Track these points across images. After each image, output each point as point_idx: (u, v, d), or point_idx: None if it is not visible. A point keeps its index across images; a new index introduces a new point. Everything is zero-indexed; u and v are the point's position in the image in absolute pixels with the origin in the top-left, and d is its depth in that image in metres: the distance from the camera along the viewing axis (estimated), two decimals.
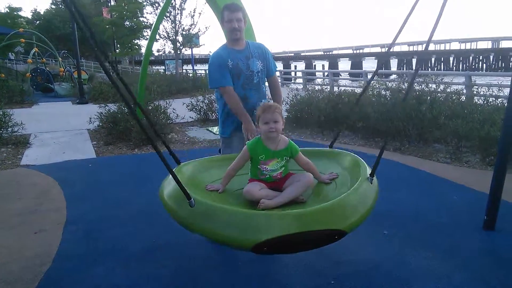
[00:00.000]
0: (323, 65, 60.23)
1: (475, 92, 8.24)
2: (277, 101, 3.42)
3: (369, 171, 2.45)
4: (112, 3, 36.45)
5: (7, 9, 38.55)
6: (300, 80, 20.89)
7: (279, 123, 2.55)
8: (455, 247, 3.16)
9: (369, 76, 15.99)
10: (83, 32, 1.59)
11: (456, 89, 7.37)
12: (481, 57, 61.37)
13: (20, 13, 40.28)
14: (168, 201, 2.34)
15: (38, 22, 45.20)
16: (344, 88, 11.53)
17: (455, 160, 5.71)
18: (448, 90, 7.23)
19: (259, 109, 2.60)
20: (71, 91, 17.48)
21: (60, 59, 22.68)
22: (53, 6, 46.38)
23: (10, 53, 21.82)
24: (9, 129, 7.67)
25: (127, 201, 4.40)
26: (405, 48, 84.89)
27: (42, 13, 46.62)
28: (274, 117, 2.53)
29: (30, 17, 45.92)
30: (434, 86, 7.19)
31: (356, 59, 62.51)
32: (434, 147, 6.37)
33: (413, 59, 61.57)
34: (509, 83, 3.29)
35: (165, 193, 2.41)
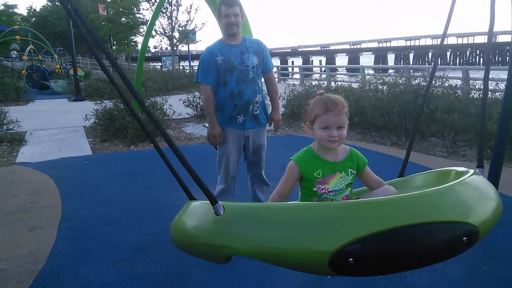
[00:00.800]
0: (320, 61, 60.20)
1: (471, 87, 8.24)
2: (274, 97, 3.41)
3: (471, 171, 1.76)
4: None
5: (2, 6, 38.36)
6: (297, 76, 20.86)
7: (344, 129, 1.82)
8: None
9: (366, 71, 15.98)
10: (80, 29, 1.46)
11: (454, 83, 7.36)
12: (478, 51, 61.41)
13: (15, 10, 40.10)
14: (183, 226, 1.67)
15: (33, 19, 45.00)
16: (341, 83, 11.50)
17: (452, 154, 5.70)
18: (446, 84, 7.23)
19: (317, 104, 1.82)
20: (67, 88, 17.41)
21: (56, 56, 22.57)
22: (49, 3, 46.15)
23: (12, 52, 21.74)
24: (4, 126, 7.63)
25: (121, 198, 4.38)
26: (402, 43, 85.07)
27: (38, 10, 46.40)
28: (340, 121, 1.79)
29: (25, 14, 45.69)
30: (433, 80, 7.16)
31: (354, 55, 62.42)
32: (431, 141, 6.37)
33: (410, 54, 61.57)
34: (506, 77, 3.27)
35: (177, 223, 1.71)
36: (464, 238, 1.38)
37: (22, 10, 48.79)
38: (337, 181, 1.82)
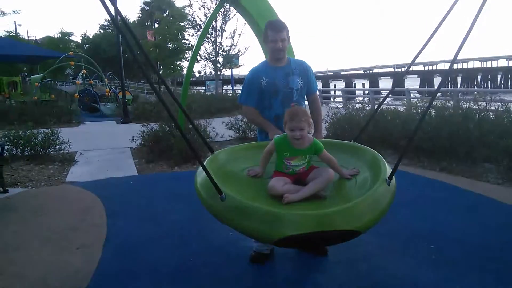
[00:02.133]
0: (363, 84, 59.52)
1: None
2: (317, 118, 3.34)
3: (389, 172, 2.44)
4: (156, 26, 37.92)
5: (59, 34, 40.82)
6: (339, 99, 20.66)
7: (304, 130, 2.58)
8: (508, 275, 2.92)
9: (412, 94, 15.57)
10: (134, 54, 1.64)
11: (507, 106, 7.00)
12: None
13: (71, 37, 42.55)
14: (202, 193, 2.46)
15: (87, 45, 47.58)
16: (386, 106, 11.24)
17: (507, 181, 5.37)
18: (500, 108, 6.89)
19: (286, 114, 2.61)
20: (115, 111, 18.09)
21: (106, 80, 23.65)
22: (101, 30, 48.74)
23: (80, 75, 22.95)
24: (57, 147, 7.99)
25: (165, 219, 4.41)
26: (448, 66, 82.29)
27: (91, 37, 49.08)
28: (300, 125, 2.56)
29: (79, 41, 48.42)
30: (484, 103, 6.88)
31: (398, 78, 61.31)
32: (484, 167, 6.04)
33: (457, 77, 59.69)
34: None
35: (199, 184, 2.53)
36: (351, 235, 2.17)
37: (77, 37, 51.59)
38: (298, 160, 2.64)
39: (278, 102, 3.12)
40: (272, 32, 3.04)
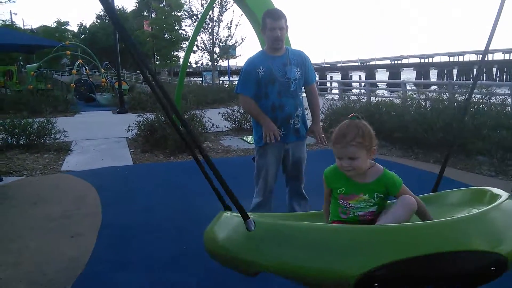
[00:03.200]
0: (359, 76, 59.50)
1: None
2: (315, 109, 3.35)
3: (505, 195, 1.75)
4: (153, 16, 37.66)
5: (55, 24, 40.45)
6: (336, 91, 20.67)
7: (357, 160, 1.79)
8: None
9: (408, 87, 15.60)
10: (126, 45, 1.55)
11: (501, 99, 7.05)
12: None
13: (67, 27, 42.19)
14: (215, 237, 1.78)
15: (83, 35, 47.22)
16: (382, 98, 11.27)
17: (500, 173, 5.42)
18: (493, 100, 6.93)
19: (335, 131, 1.88)
20: (112, 101, 18.05)
21: (102, 70, 23.52)
22: (98, 20, 48.35)
23: (83, 67, 22.65)
24: (52, 136, 7.98)
25: (160, 208, 4.44)
26: (445, 58, 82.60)
27: (87, 26, 48.70)
28: (348, 153, 1.79)
29: (76, 30, 48.05)
30: (479, 96, 6.91)
31: (394, 70, 61.27)
32: (478, 159, 6.08)
33: (453, 70, 59.74)
34: None
35: (209, 233, 1.88)
36: (492, 268, 1.37)
37: (73, 27, 51.08)
38: (360, 201, 1.85)
39: (275, 91, 3.08)
40: (270, 20, 3.00)
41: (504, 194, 1.75)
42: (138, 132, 8.38)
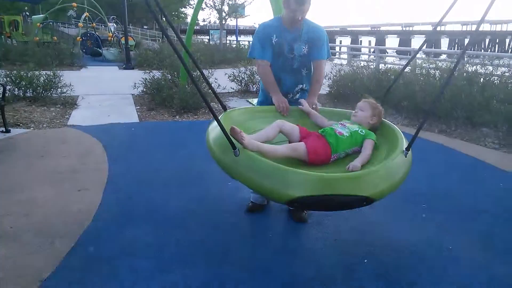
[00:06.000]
0: (369, 41, 58.26)
1: None
2: (314, 84, 3.17)
3: (406, 143, 2.47)
4: None
5: None
6: (345, 56, 20.34)
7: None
8: (497, 237, 3.03)
9: (418, 55, 15.25)
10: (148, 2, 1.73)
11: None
12: None
13: None
14: (214, 148, 2.41)
15: None
16: (391, 65, 11.11)
17: (504, 146, 5.42)
18: (506, 73, 6.82)
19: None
20: (118, 56, 17.88)
21: (109, 24, 23.17)
22: None
23: (82, 18, 22.12)
24: (59, 89, 7.99)
25: (164, 166, 4.50)
26: (457, 27, 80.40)
27: None
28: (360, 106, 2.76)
29: None
30: (490, 68, 6.80)
31: (405, 37, 59.94)
32: (482, 131, 6.07)
33: (465, 39, 58.35)
34: None
35: (211, 139, 2.47)
36: (364, 202, 2.15)
37: None
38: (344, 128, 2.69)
39: (278, 65, 3.07)
40: (295, 3, 2.88)
41: (398, 151, 2.38)
42: (144, 90, 8.37)
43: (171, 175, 4.23)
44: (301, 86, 3.18)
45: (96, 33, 20.79)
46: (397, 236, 3.04)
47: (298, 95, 3.20)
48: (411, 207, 3.51)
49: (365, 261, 2.70)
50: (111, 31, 22.07)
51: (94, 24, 23.04)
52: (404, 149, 2.40)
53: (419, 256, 2.77)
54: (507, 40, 57.22)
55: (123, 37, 16.13)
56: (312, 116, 2.97)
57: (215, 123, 2.41)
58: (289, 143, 2.61)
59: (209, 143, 2.48)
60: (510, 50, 55.00)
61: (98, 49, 18.88)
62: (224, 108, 2.96)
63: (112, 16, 26.42)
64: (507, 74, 6.83)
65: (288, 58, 3.05)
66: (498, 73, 7.01)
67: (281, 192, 2.10)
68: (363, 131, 2.62)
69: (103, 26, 28.45)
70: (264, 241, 2.99)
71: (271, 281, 2.49)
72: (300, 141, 2.56)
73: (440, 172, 4.41)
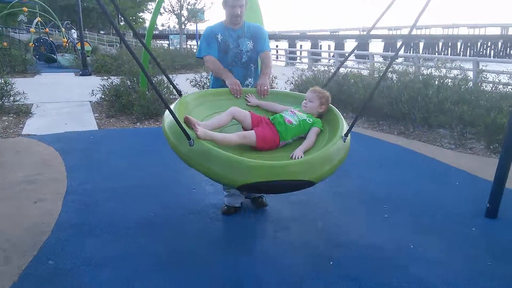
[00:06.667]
0: (329, 45, 59.51)
1: (483, 79, 8.12)
2: (263, 68, 3.39)
3: (346, 129, 2.68)
4: None
5: None
6: (306, 60, 20.65)
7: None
8: (456, 234, 3.14)
9: (376, 59, 15.79)
10: (102, 7, 1.69)
11: (464, 74, 7.25)
12: (489, 43, 60.52)
13: None
14: (169, 136, 2.51)
15: None
16: (350, 69, 11.37)
17: (459, 146, 5.66)
18: (458, 75, 7.12)
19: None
20: (74, 62, 17.33)
21: (63, 29, 22.42)
22: None
23: (34, 23, 21.06)
24: (11, 98, 7.62)
25: (125, 174, 4.38)
26: (412, 31, 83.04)
27: None
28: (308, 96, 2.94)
29: None
30: (444, 70, 7.09)
31: (363, 41, 61.54)
32: (439, 132, 6.31)
33: (420, 43, 60.75)
34: None
35: (167, 126, 2.56)
36: (306, 185, 2.43)
37: None
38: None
39: (227, 60, 3.28)
40: None
41: (338, 136, 2.59)
42: (103, 97, 8.14)
43: (133, 183, 4.12)
44: (250, 79, 3.40)
45: (50, 38, 20.06)
46: (362, 237, 3.09)
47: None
48: (374, 209, 3.59)
49: (331, 263, 2.73)
50: (65, 36, 21.38)
51: (47, 30, 22.22)
52: (343, 135, 2.62)
53: (383, 255, 2.83)
54: (459, 44, 60.07)
55: (79, 43, 15.66)
56: (263, 106, 3.13)
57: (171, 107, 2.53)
58: (242, 128, 2.80)
59: (165, 130, 2.57)
60: (461, 53, 57.71)
61: (53, 55, 18.22)
62: (180, 94, 3.04)
63: (66, 21, 25.61)
64: (459, 76, 7.13)
65: (236, 53, 3.30)
66: (451, 76, 7.31)
67: (232, 179, 2.32)
68: (311, 120, 2.82)
69: (57, 32, 27.54)
70: (230, 246, 2.96)
71: (239, 287, 2.47)
72: (251, 127, 2.73)
73: (400, 173, 4.53)
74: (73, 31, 22.09)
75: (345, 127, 2.71)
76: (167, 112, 2.58)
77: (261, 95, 3.22)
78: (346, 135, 2.62)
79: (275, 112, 2.99)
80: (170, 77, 3.32)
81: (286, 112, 2.86)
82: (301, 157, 2.52)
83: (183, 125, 2.37)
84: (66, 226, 3.19)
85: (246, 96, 3.17)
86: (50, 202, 3.63)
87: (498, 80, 6.86)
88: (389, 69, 8.09)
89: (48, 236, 3.02)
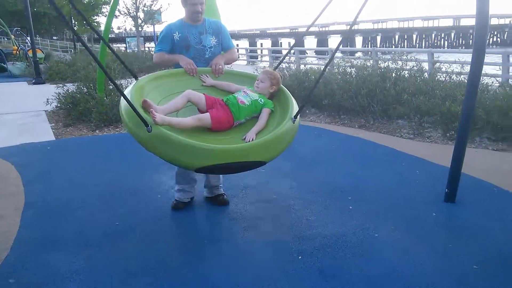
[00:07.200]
0: (289, 43, 59.99)
1: (437, 69, 8.41)
2: (223, 55, 3.43)
3: (295, 111, 2.84)
4: None
5: None
6: (267, 58, 20.74)
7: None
8: (417, 220, 3.24)
9: (336, 54, 15.99)
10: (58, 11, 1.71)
11: (420, 66, 7.49)
12: (443, 34, 62.97)
13: None
14: (128, 122, 2.57)
15: None
16: (310, 66, 11.53)
17: (417, 136, 5.84)
18: (414, 67, 7.34)
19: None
20: (26, 70, 16.65)
21: (13, 37, 21.51)
22: None
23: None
24: None
25: (86, 183, 4.25)
26: (369, 25, 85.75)
27: None
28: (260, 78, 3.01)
29: None
30: (400, 63, 7.30)
31: (322, 37, 62.63)
32: (398, 123, 6.50)
33: (377, 37, 62.37)
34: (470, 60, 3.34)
35: (124, 113, 2.62)
36: (258, 165, 2.63)
37: None
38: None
39: (189, 57, 3.27)
40: None
41: (287, 118, 2.73)
42: (59, 105, 7.87)
43: (95, 193, 4.00)
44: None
45: None
46: (328, 229, 3.13)
47: None
48: (339, 201, 3.65)
49: (300, 257, 2.75)
50: (15, 44, 20.52)
51: None
52: (293, 116, 2.76)
53: (349, 245, 2.88)
54: (414, 36, 62.10)
55: (30, 50, 15.06)
56: (218, 86, 3.20)
57: (128, 89, 2.63)
58: (197, 110, 2.90)
59: (123, 115, 2.63)
60: (417, 45, 59.68)
61: (2, 64, 17.43)
62: (136, 77, 3.02)
63: (16, 28, 24.58)
64: (415, 68, 7.35)
65: (199, 49, 3.31)
66: (407, 68, 7.53)
67: (190, 163, 2.45)
68: (262, 100, 2.94)
69: (5, 39, 26.39)
70: (201, 250, 2.93)
71: None
72: (206, 109, 2.83)
73: (362, 165, 4.63)
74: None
75: (295, 108, 2.87)
76: (126, 90, 2.65)
77: (215, 74, 3.28)
78: (295, 116, 2.77)
79: (230, 92, 3.10)
80: (128, 81, 3.28)
81: (239, 93, 2.97)
82: (253, 139, 2.67)
83: (141, 111, 2.43)
84: (26, 241, 3.06)
85: (201, 76, 3.22)
86: (7, 219, 3.46)
87: (451, 70, 7.12)
88: (348, 64, 8.28)
89: (7, 253, 2.88)
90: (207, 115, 2.75)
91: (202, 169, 2.47)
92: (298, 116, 2.83)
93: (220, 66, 3.29)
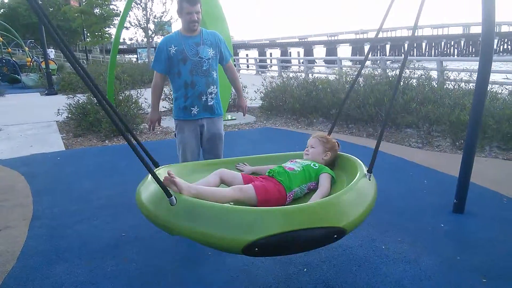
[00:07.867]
0: (298, 52, 60.26)
1: (446, 77, 8.36)
2: (236, 85, 3.56)
3: (365, 168, 2.37)
4: None
5: None
6: (276, 68, 20.81)
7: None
8: (425, 231, 3.20)
9: (344, 63, 16.04)
10: (45, 24, 1.51)
11: (428, 74, 7.45)
12: (452, 42, 62.61)
13: None
14: (145, 203, 2.08)
15: (2, 10, 43.47)
16: (318, 75, 11.52)
17: (426, 145, 5.79)
18: (423, 76, 7.30)
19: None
20: (39, 82, 16.93)
21: (26, 49, 21.91)
22: None
23: (51, 48, 20.62)
24: None
25: (95, 194, 4.28)
26: (379, 34, 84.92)
27: (6, 1, 44.80)
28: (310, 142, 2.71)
29: None
30: (408, 72, 7.27)
31: (331, 46, 62.75)
32: (406, 132, 6.45)
33: (386, 45, 62.24)
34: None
35: (142, 195, 2.15)
36: (334, 236, 1.90)
37: None
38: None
39: (187, 70, 3.23)
40: (187, 5, 3.16)
41: (361, 173, 2.27)
42: (70, 116, 7.97)
43: (103, 203, 4.02)
44: (213, 87, 3.34)
45: (13, 58, 19.56)
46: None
47: (211, 98, 3.33)
48: None
49: (305, 270, 2.72)
50: (29, 55, 20.89)
51: (9, 50, 21.67)
52: (366, 171, 2.29)
53: (355, 257, 2.84)
54: (424, 44, 61.84)
55: (43, 62, 15.32)
56: (259, 171, 2.72)
57: (145, 180, 2.21)
58: None
59: (139, 200, 2.16)
60: (427, 54, 59.43)
61: (16, 75, 17.75)
62: (156, 165, 2.54)
63: (30, 40, 25.04)
64: (423, 76, 7.31)
65: (196, 61, 3.23)
66: (416, 76, 7.50)
67: (234, 238, 1.78)
68: (316, 165, 2.49)
69: (20, 51, 26.88)
70: (203, 262, 2.92)
71: None
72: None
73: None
74: (49, 50, 21.60)
75: (364, 166, 2.39)
76: (144, 182, 2.22)
77: (243, 114, 3.60)
78: (369, 171, 2.30)
79: None
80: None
81: (285, 162, 2.56)
82: None
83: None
84: (32, 253, 3.08)
85: (236, 166, 2.81)
86: (15, 229, 3.49)
87: (460, 78, 7.07)
88: (356, 73, 8.25)
89: (13, 265, 2.90)
90: (249, 185, 2.24)
91: (255, 244, 1.76)
92: (372, 174, 2.32)
93: (247, 106, 3.61)
